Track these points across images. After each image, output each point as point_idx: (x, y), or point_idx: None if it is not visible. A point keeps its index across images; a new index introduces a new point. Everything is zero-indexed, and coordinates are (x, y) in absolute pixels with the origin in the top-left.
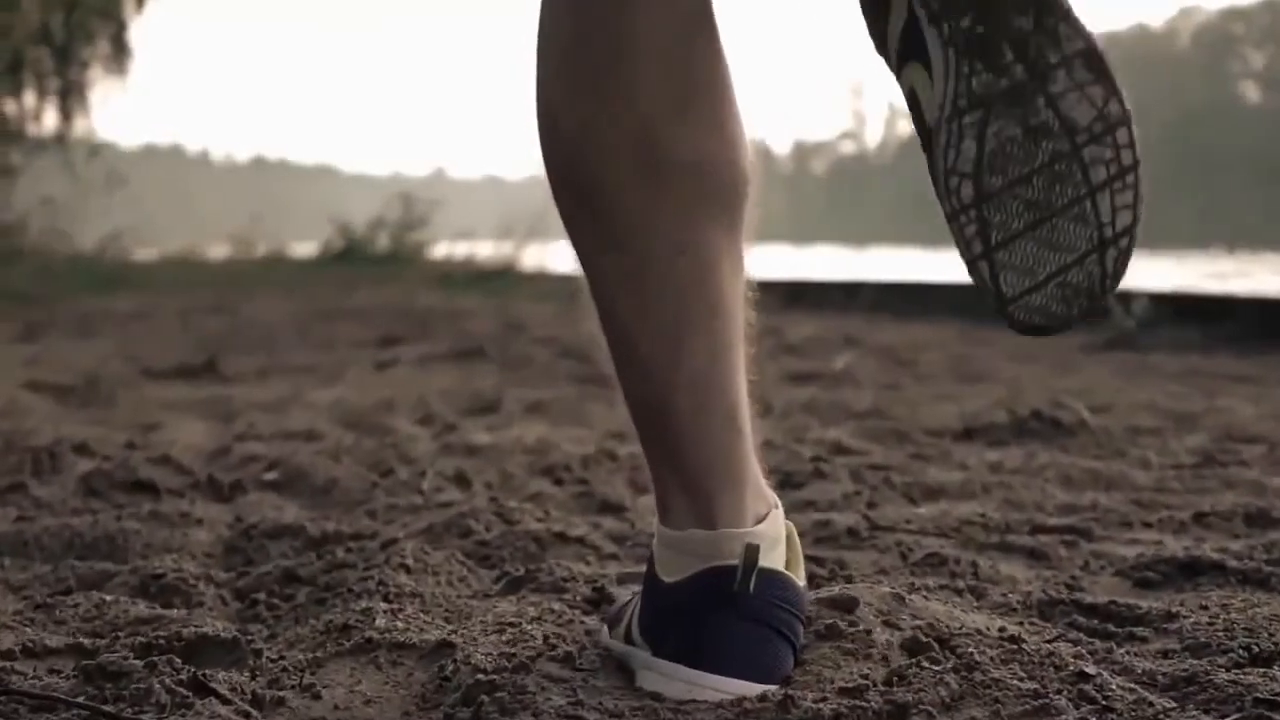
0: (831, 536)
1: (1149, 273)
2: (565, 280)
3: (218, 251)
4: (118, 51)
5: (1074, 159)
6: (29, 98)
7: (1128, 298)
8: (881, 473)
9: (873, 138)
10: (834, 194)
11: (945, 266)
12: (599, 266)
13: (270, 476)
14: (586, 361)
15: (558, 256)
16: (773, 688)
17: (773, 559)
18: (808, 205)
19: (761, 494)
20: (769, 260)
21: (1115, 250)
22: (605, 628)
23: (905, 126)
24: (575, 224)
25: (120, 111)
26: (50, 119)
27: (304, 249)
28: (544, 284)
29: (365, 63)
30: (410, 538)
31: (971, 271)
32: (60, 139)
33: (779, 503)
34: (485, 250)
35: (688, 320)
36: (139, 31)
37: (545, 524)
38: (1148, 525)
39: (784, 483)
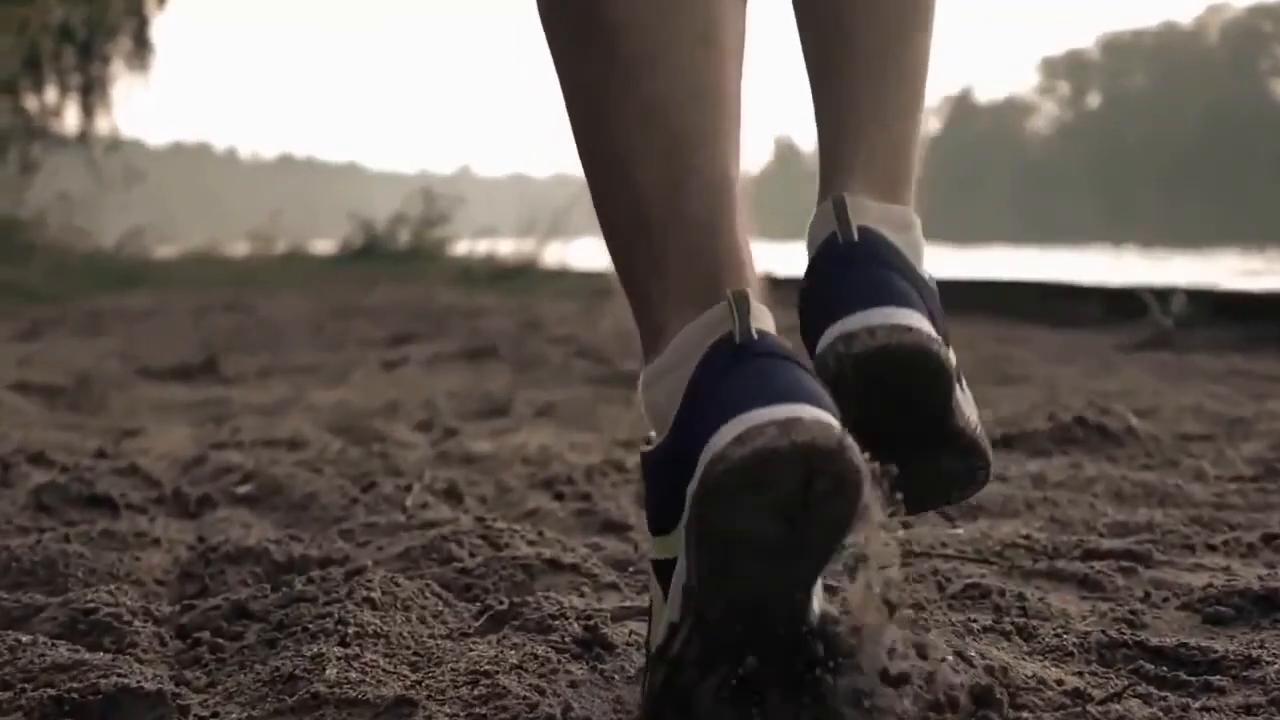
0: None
1: (1181, 269)
2: (586, 278)
3: (238, 249)
4: (139, 47)
5: None
6: (50, 93)
7: (1164, 295)
8: None
9: None
10: None
11: (974, 263)
12: (599, 89)
13: (244, 490)
14: (603, 362)
15: (579, 254)
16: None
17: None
18: None
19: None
20: (795, 259)
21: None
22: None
23: (933, 125)
24: (576, 37)
25: (147, 109)
26: (72, 115)
27: (327, 246)
28: (565, 282)
29: (393, 61)
30: (383, 564)
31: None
32: (82, 136)
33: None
34: (507, 248)
35: (705, 118)
36: (163, 28)
37: (537, 547)
38: (1212, 548)
39: None
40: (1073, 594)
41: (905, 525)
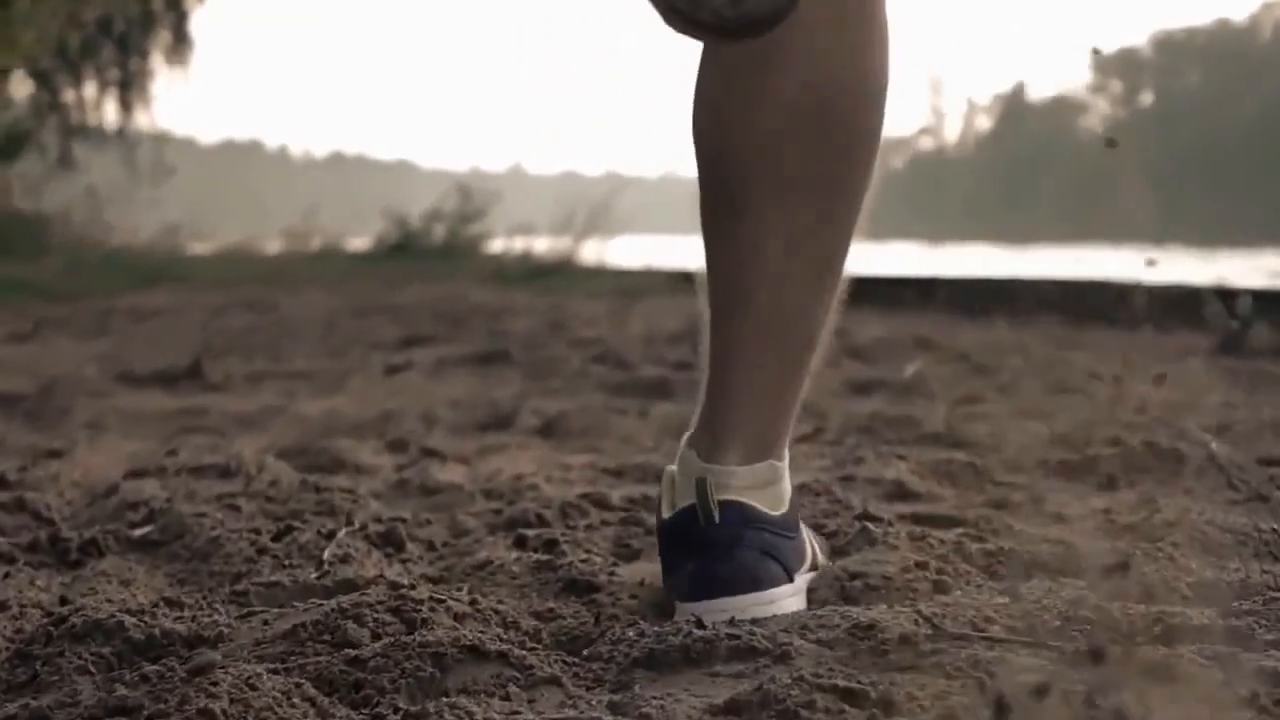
0: (876, 648)
1: (1236, 268)
2: (623, 276)
3: (273, 246)
4: (178, 42)
5: None
6: (89, 88)
7: (1228, 296)
8: (952, 532)
9: (952, 133)
10: (911, 190)
11: (1025, 263)
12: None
13: (141, 533)
14: (622, 366)
15: (618, 251)
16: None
17: (742, 495)
18: (884, 202)
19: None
20: (881, 259)
21: None
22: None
23: (984, 123)
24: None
25: (199, 107)
26: (111, 110)
27: (364, 243)
28: (601, 280)
29: (444, 57)
30: (257, 649)
31: None
32: (120, 131)
33: (786, 458)
34: (545, 245)
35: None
36: (216, 25)
37: (461, 629)
38: None
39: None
40: (1162, 693)
41: (937, 588)
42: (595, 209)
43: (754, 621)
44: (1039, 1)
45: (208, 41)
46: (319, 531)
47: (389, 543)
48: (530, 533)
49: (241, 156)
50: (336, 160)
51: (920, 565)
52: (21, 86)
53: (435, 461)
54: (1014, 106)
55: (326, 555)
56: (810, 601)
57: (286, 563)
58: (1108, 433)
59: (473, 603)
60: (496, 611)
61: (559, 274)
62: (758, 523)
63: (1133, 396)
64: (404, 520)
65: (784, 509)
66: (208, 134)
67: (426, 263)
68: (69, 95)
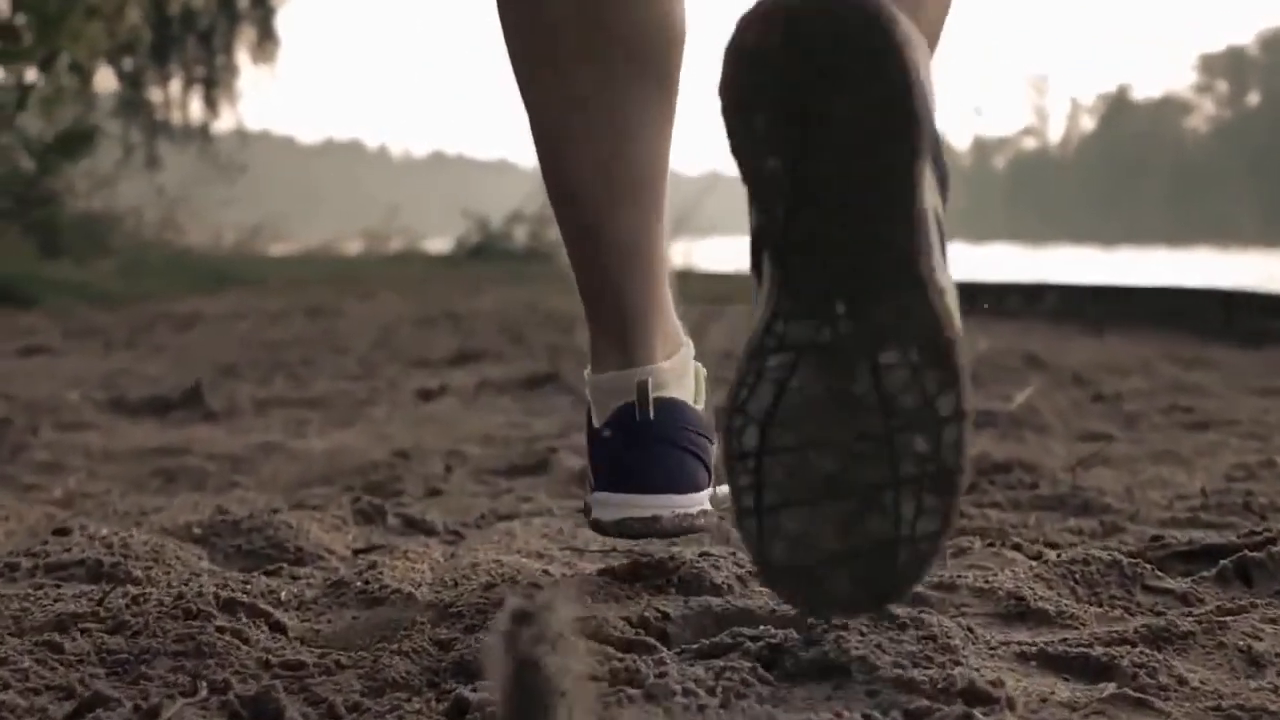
0: None
1: None
2: (711, 280)
3: (354, 247)
4: (264, 39)
5: (883, 444)
6: (174, 86)
7: None
8: (1101, 690)
9: (1055, 133)
10: (1015, 191)
11: (1131, 267)
12: (546, 123)
13: None
14: None
15: (709, 254)
16: (698, 495)
17: (679, 390)
18: (987, 202)
19: (675, 336)
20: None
21: (910, 551)
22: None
23: (1087, 123)
24: (529, 84)
25: (299, 106)
26: (196, 108)
27: (445, 245)
28: (686, 285)
29: None
30: None
31: (738, 526)
32: (204, 129)
33: (689, 341)
34: None
35: (623, 186)
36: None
37: None
38: None
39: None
40: None
41: None
42: (685, 209)
43: None
44: (1144, 1)
45: (309, 39)
46: (137, 708)
47: None
48: (476, 695)
49: (341, 156)
50: (438, 160)
51: None
52: (106, 84)
53: (409, 541)
54: (1118, 106)
55: None
56: None
57: None
58: (1262, 496)
59: None
60: None
61: None
62: (689, 424)
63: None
64: (297, 675)
65: (702, 401)
66: (306, 134)
67: (508, 265)
68: (155, 94)
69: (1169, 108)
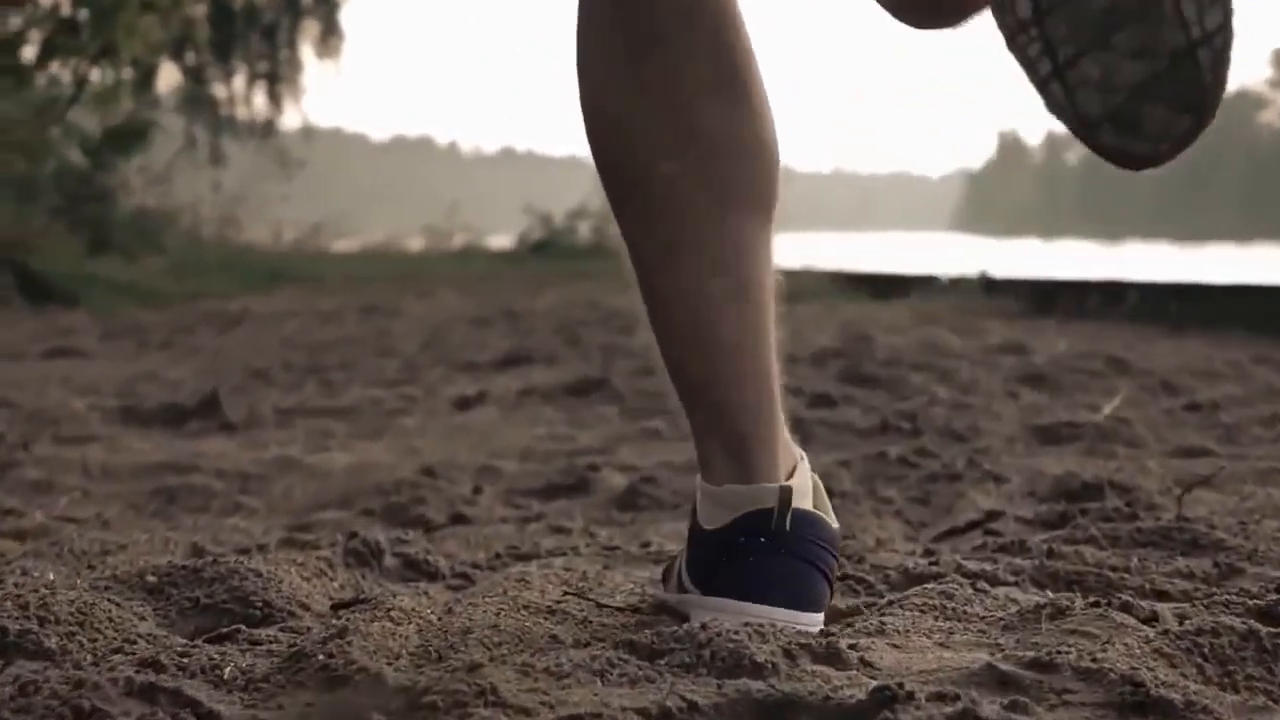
0: None
1: None
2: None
3: (417, 243)
4: (328, 33)
5: None
6: (238, 81)
7: None
8: None
9: None
10: (1086, 187)
11: (1206, 265)
12: (639, 238)
13: None
14: None
15: (784, 251)
16: (817, 616)
17: (802, 503)
18: (1060, 198)
19: (789, 450)
20: (1015, 256)
21: (1208, 50)
22: (660, 584)
23: None
24: (619, 202)
25: (375, 103)
26: (260, 103)
27: (507, 241)
28: None
29: None
30: None
31: (1043, 96)
32: (268, 124)
33: (804, 455)
34: None
35: (724, 296)
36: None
37: None
38: None
39: None
40: None
41: None
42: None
43: None
44: None
45: (381, 35)
46: None
47: None
48: None
49: (411, 152)
50: (507, 156)
51: None
52: (169, 79)
53: (404, 589)
54: None
55: None
56: None
57: None
58: None
59: None
60: None
61: None
62: (821, 539)
63: None
64: None
65: (829, 514)
66: (379, 131)
67: (571, 261)
68: (219, 90)
69: (1243, 103)
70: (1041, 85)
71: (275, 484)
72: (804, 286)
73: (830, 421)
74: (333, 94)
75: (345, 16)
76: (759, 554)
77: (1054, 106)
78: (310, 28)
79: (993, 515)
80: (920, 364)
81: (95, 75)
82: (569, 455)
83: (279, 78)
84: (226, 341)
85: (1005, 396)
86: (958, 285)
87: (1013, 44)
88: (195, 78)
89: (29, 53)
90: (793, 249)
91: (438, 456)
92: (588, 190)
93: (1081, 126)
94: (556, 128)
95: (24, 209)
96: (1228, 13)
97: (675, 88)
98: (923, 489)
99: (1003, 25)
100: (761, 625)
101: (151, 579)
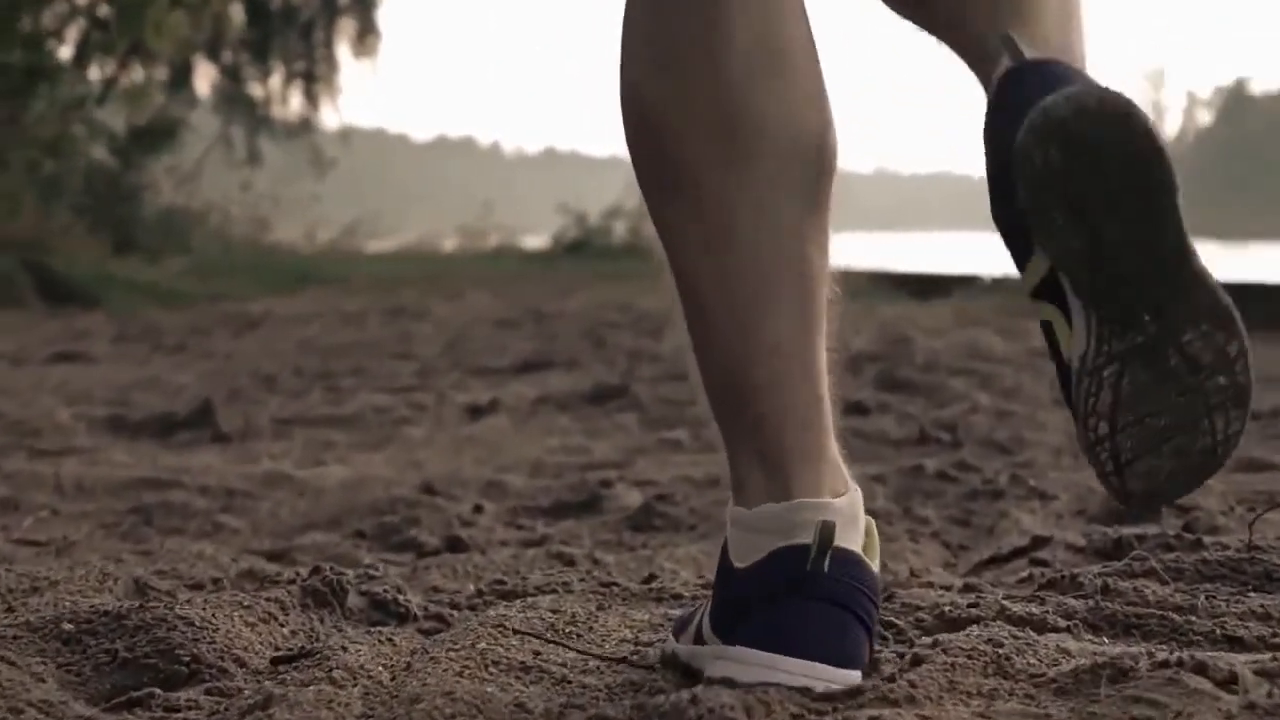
0: None
1: None
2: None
3: (450, 244)
4: (365, 32)
5: (1196, 393)
6: (275, 81)
7: None
8: None
9: (1171, 128)
10: None
11: (1257, 265)
12: (680, 236)
13: None
14: None
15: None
16: (854, 674)
17: (848, 539)
18: None
19: (839, 472)
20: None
21: (1224, 448)
22: (671, 637)
23: (1204, 117)
24: (657, 194)
25: (418, 103)
26: (296, 102)
27: (542, 241)
28: None
29: None
30: None
31: (1104, 482)
32: (305, 124)
33: (858, 487)
34: None
35: (769, 292)
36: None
37: None
38: None
39: None
40: None
41: None
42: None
43: None
44: None
45: (425, 35)
46: None
47: None
48: None
49: (452, 153)
50: (550, 156)
51: None
52: (204, 79)
53: (364, 637)
54: (1236, 100)
55: None
56: None
57: None
58: None
59: None
60: None
61: None
62: (864, 586)
63: None
64: None
65: (875, 560)
66: (422, 131)
67: (604, 261)
68: (255, 89)
69: None
70: (1103, 476)
71: (262, 502)
72: (843, 287)
73: (864, 431)
74: (374, 94)
75: (384, 16)
76: (790, 598)
77: (1108, 488)
78: (346, 26)
79: (1039, 542)
80: (961, 369)
81: (127, 73)
82: (581, 469)
83: (315, 77)
84: (241, 345)
85: (1051, 404)
86: (1001, 285)
87: (1089, 450)
88: (232, 76)
89: (64, 52)
90: (833, 249)
91: (441, 470)
92: (623, 189)
93: (1124, 500)
94: (599, 127)
95: (48, 208)
96: (1244, 422)
97: (720, 74)
98: (962, 507)
99: (1082, 436)
100: (769, 693)
101: (68, 626)
